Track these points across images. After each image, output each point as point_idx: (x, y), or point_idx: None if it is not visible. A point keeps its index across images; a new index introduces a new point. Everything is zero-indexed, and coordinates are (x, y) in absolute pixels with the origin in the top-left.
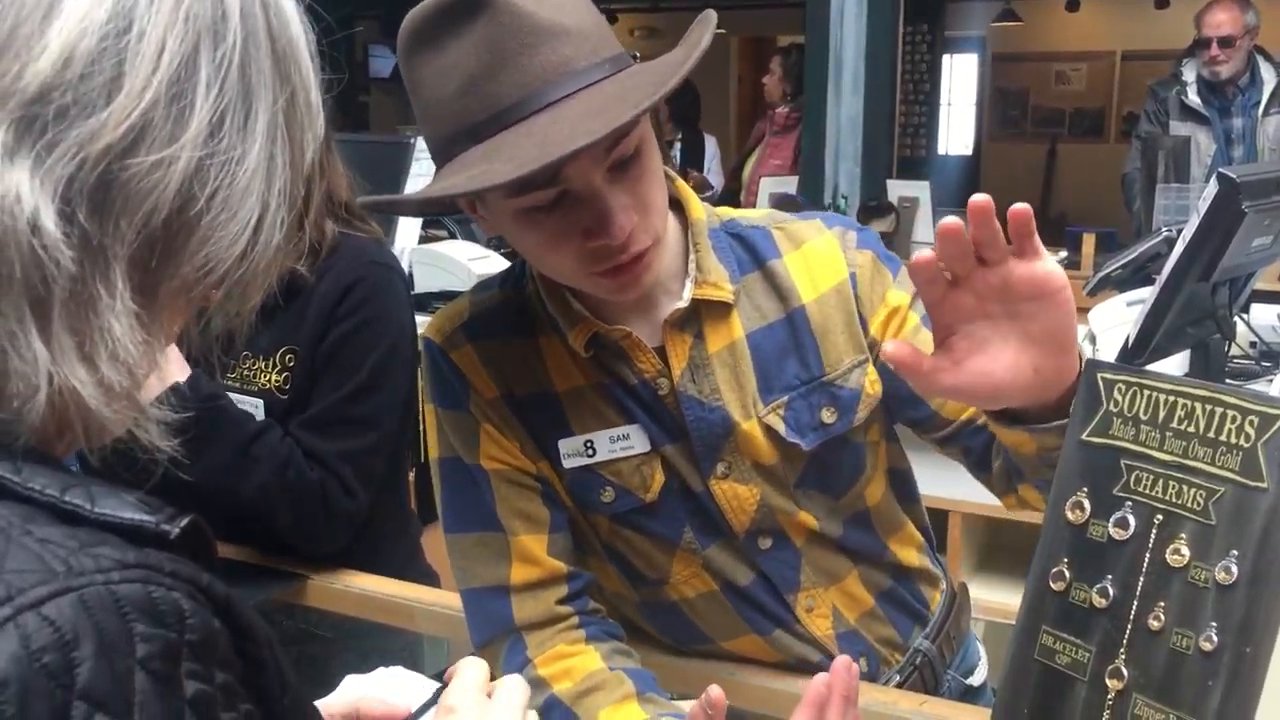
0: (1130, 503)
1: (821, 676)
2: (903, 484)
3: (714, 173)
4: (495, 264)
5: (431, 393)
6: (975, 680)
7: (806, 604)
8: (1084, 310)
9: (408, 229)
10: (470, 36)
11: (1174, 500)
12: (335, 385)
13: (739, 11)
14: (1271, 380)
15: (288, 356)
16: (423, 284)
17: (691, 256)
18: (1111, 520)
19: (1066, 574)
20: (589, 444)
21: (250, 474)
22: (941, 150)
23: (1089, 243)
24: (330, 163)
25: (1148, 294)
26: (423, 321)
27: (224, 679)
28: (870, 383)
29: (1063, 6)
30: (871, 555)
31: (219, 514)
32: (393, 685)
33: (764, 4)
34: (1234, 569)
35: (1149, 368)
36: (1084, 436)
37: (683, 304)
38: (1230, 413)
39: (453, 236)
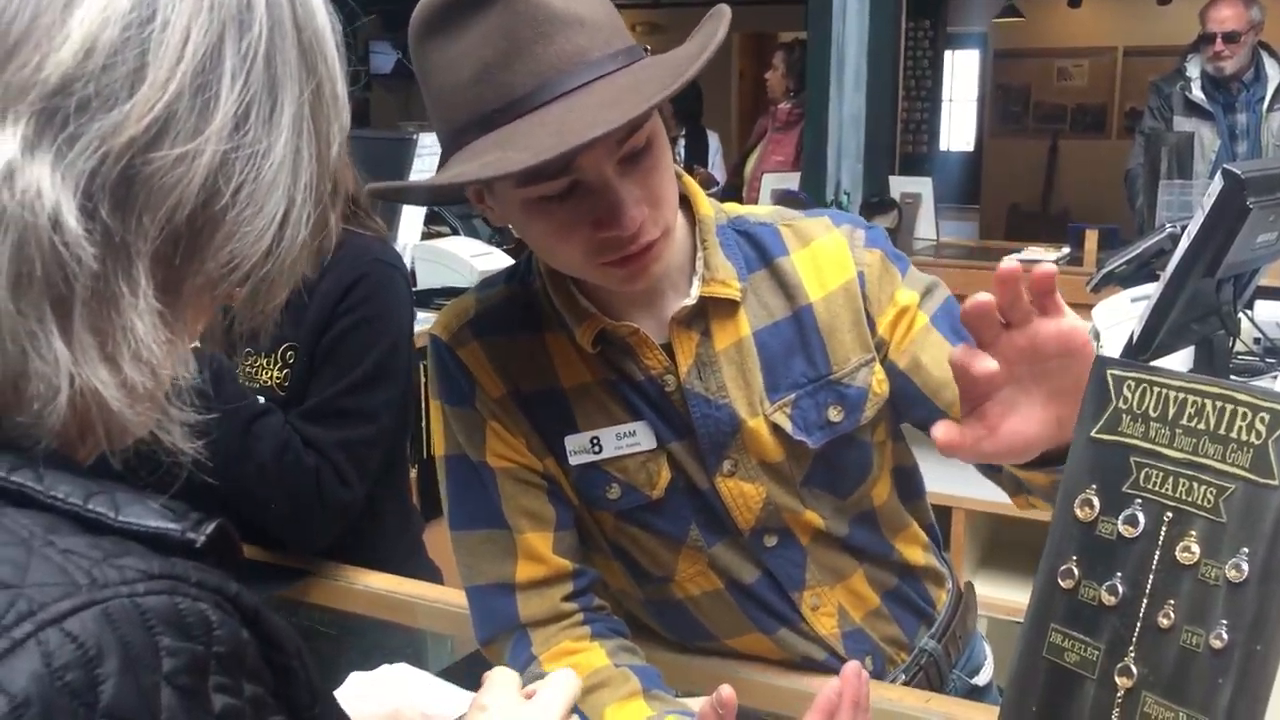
0: (1140, 500)
1: (833, 683)
2: (909, 482)
3: (716, 168)
4: (498, 260)
5: (438, 389)
6: (981, 680)
7: (812, 602)
8: (1088, 307)
9: (410, 225)
10: (484, 24)
11: (1184, 498)
12: (334, 378)
13: (741, 7)
14: (1276, 376)
15: (288, 353)
16: (425, 280)
17: (699, 254)
18: (1121, 518)
19: (1075, 572)
20: (595, 440)
21: (250, 453)
22: (943, 146)
23: (1091, 239)
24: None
25: (1152, 290)
26: (426, 318)
27: (253, 691)
28: (878, 381)
29: (1064, 2)
30: (877, 554)
31: (215, 500)
32: (397, 682)
33: (766, 0)
34: (1245, 567)
35: (1153, 364)
36: (1093, 434)
37: (690, 301)
38: (1241, 409)
39: (455, 233)
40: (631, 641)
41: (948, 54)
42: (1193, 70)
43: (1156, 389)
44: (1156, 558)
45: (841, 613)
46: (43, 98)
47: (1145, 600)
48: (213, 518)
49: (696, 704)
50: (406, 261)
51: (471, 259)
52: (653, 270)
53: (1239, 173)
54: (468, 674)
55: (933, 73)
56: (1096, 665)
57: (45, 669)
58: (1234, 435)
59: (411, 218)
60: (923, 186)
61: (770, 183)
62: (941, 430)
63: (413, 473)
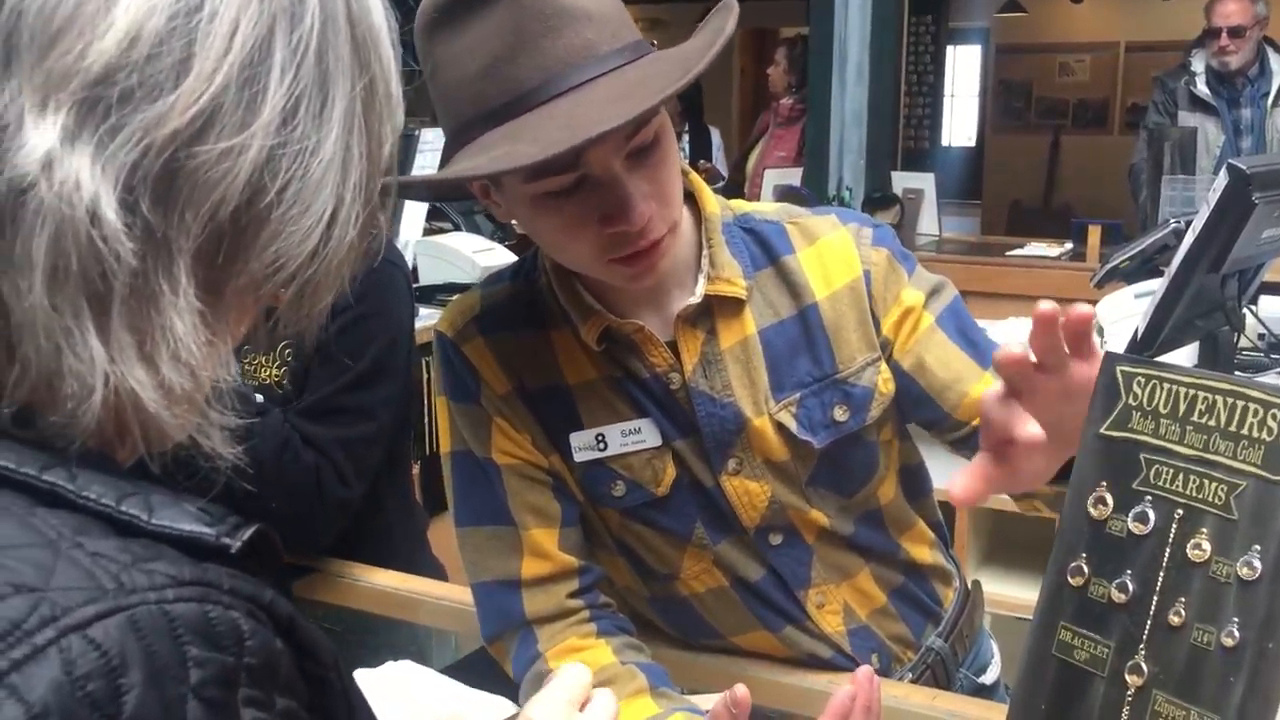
0: (1150, 497)
1: (846, 688)
2: (915, 481)
3: (718, 164)
4: (500, 256)
5: (443, 386)
6: (988, 679)
7: (817, 600)
8: (1091, 302)
9: (412, 221)
10: (492, 18)
11: (1195, 495)
12: (334, 375)
13: (743, 3)
14: None
15: (287, 351)
16: (427, 276)
17: (704, 251)
18: (1131, 515)
19: (1085, 569)
20: (600, 438)
21: (249, 451)
22: (945, 142)
23: (1094, 234)
24: None
25: (1156, 286)
26: (429, 314)
27: (285, 704)
28: (883, 381)
29: None
30: (884, 552)
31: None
32: (401, 679)
33: None
34: (1256, 564)
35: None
36: (1102, 430)
37: (695, 299)
38: (1253, 406)
39: (457, 229)
40: (637, 639)
41: (949, 49)
42: (1198, 65)
43: (1167, 385)
44: (1167, 555)
45: (847, 611)
46: (84, 87)
47: (1156, 598)
48: (251, 522)
49: (703, 701)
50: (408, 257)
51: (474, 255)
52: (660, 267)
53: (1244, 168)
54: (472, 671)
55: (935, 68)
56: (1106, 663)
57: (66, 678)
58: (1245, 432)
59: (413, 214)
60: (925, 182)
61: (772, 179)
62: (960, 489)
63: (415, 469)
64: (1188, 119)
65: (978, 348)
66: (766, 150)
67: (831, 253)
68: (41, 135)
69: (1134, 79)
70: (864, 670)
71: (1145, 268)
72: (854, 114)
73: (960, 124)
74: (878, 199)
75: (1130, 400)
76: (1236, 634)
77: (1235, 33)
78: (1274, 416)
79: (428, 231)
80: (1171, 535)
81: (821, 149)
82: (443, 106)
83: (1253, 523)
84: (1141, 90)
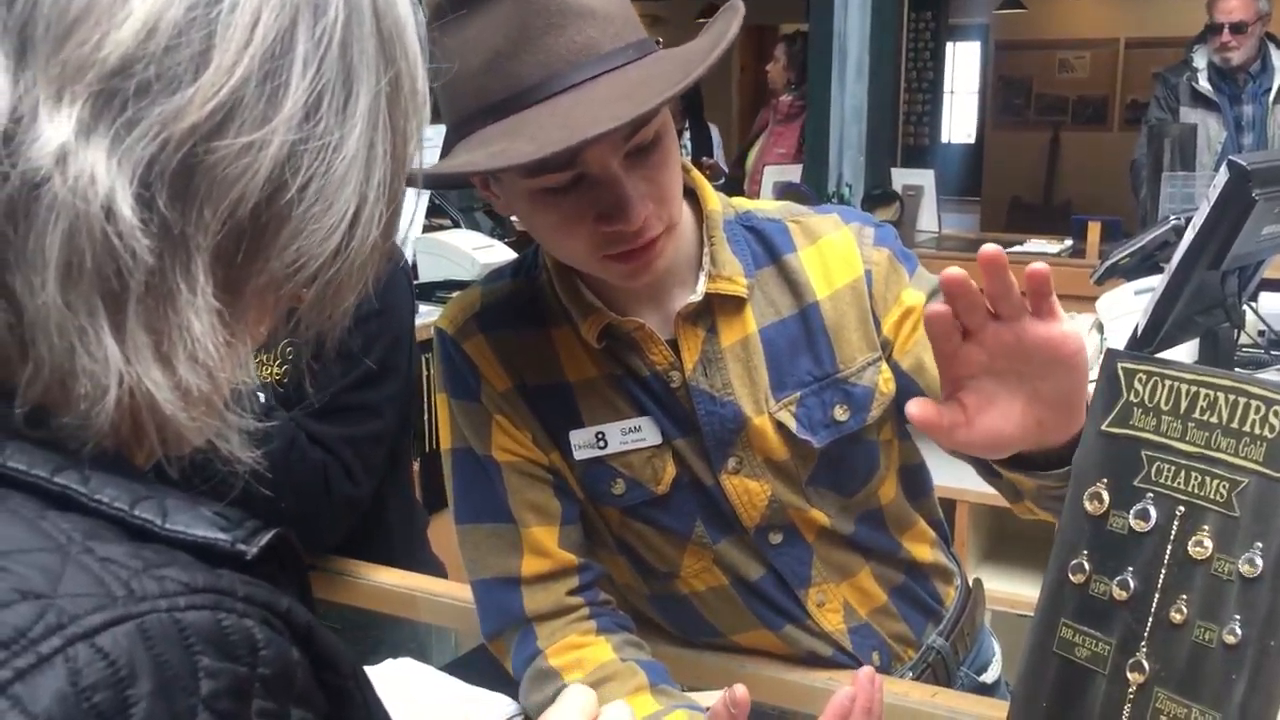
0: (1151, 494)
1: (846, 689)
2: (916, 480)
3: (717, 161)
4: (500, 253)
5: (444, 383)
6: (989, 678)
7: (817, 599)
8: (1091, 299)
9: (411, 218)
10: (496, 13)
11: (1196, 492)
12: (338, 375)
13: None
14: None
15: (288, 349)
16: (427, 273)
17: (706, 249)
18: (1132, 512)
19: (1086, 566)
20: (600, 435)
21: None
22: (945, 139)
23: (1094, 231)
24: None
25: (1156, 282)
26: (428, 311)
27: (300, 716)
28: (884, 381)
29: None
30: (884, 551)
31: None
32: (401, 677)
33: None
34: (1258, 561)
35: (1160, 356)
36: (1104, 427)
37: (696, 298)
38: (1254, 403)
39: (456, 226)
40: (637, 636)
41: (949, 46)
42: (1199, 61)
43: (1168, 382)
44: (1168, 552)
45: (848, 609)
46: (100, 79)
47: (1157, 595)
48: (270, 527)
49: (704, 699)
50: (408, 255)
51: (473, 252)
52: (656, 266)
53: (1245, 164)
54: (472, 668)
55: (934, 65)
56: (1108, 661)
57: (72, 688)
58: (1247, 429)
59: (412, 211)
60: (924, 179)
61: (772, 175)
62: (917, 406)
63: (415, 467)
64: (1189, 115)
65: None
66: (766, 147)
67: (833, 252)
68: (56, 128)
69: (1133, 75)
70: (865, 670)
71: (1145, 264)
72: (854, 110)
73: (960, 120)
74: (877, 195)
75: (1131, 397)
76: (1238, 631)
77: (1237, 29)
78: (1275, 413)
79: (427, 229)
80: (1173, 532)
81: (821, 146)
82: (445, 98)
83: (1254, 520)
84: (1141, 86)
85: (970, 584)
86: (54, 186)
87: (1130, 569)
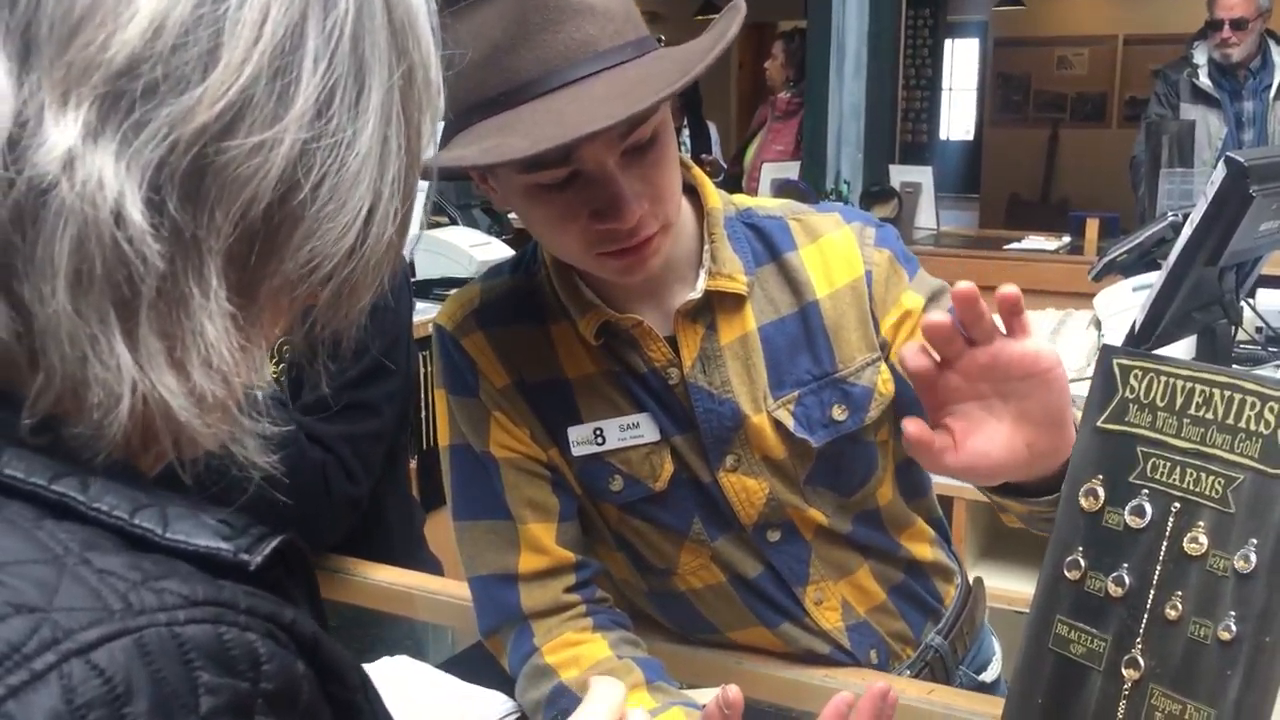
0: (1147, 490)
1: (845, 694)
2: (914, 480)
3: (716, 158)
4: (497, 250)
5: (443, 379)
6: (988, 676)
7: (815, 597)
8: (1089, 295)
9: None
10: (496, 7)
11: (1192, 488)
12: (336, 373)
13: None
14: (1279, 365)
15: (285, 348)
16: (425, 271)
17: (706, 246)
18: (1128, 508)
19: (1082, 563)
20: (598, 432)
21: None
22: (943, 135)
23: (1092, 228)
24: None
25: (1154, 279)
26: (426, 308)
27: None
28: (883, 381)
29: None
30: (883, 550)
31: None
32: (397, 675)
33: None
34: (1253, 558)
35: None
36: (1099, 423)
37: (696, 295)
38: (1249, 399)
39: (454, 223)
40: (634, 633)
41: (948, 42)
42: (1200, 57)
43: (1164, 378)
44: (1164, 548)
45: (846, 607)
46: (107, 80)
47: (1152, 592)
48: (276, 534)
49: (701, 696)
50: (405, 252)
51: (471, 249)
52: (651, 264)
53: (1242, 160)
54: (468, 666)
55: (933, 61)
56: (1103, 657)
57: (66, 707)
58: (1242, 425)
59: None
60: (923, 176)
61: (770, 172)
62: (914, 425)
63: (412, 464)
64: (1190, 111)
65: None
66: (764, 144)
67: (834, 251)
68: (62, 132)
69: (1132, 72)
70: (880, 687)
71: (1143, 261)
72: (852, 107)
73: (958, 117)
74: (875, 192)
75: (1127, 393)
76: (1233, 627)
77: (1238, 25)
78: (1271, 409)
79: (424, 226)
80: (1168, 528)
81: (819, 143)
82: (444, 90)
83: (1250, 515)
84: (1140, 83)
85: (970, 583)
86: (61, 192)
87: (1125, 565)
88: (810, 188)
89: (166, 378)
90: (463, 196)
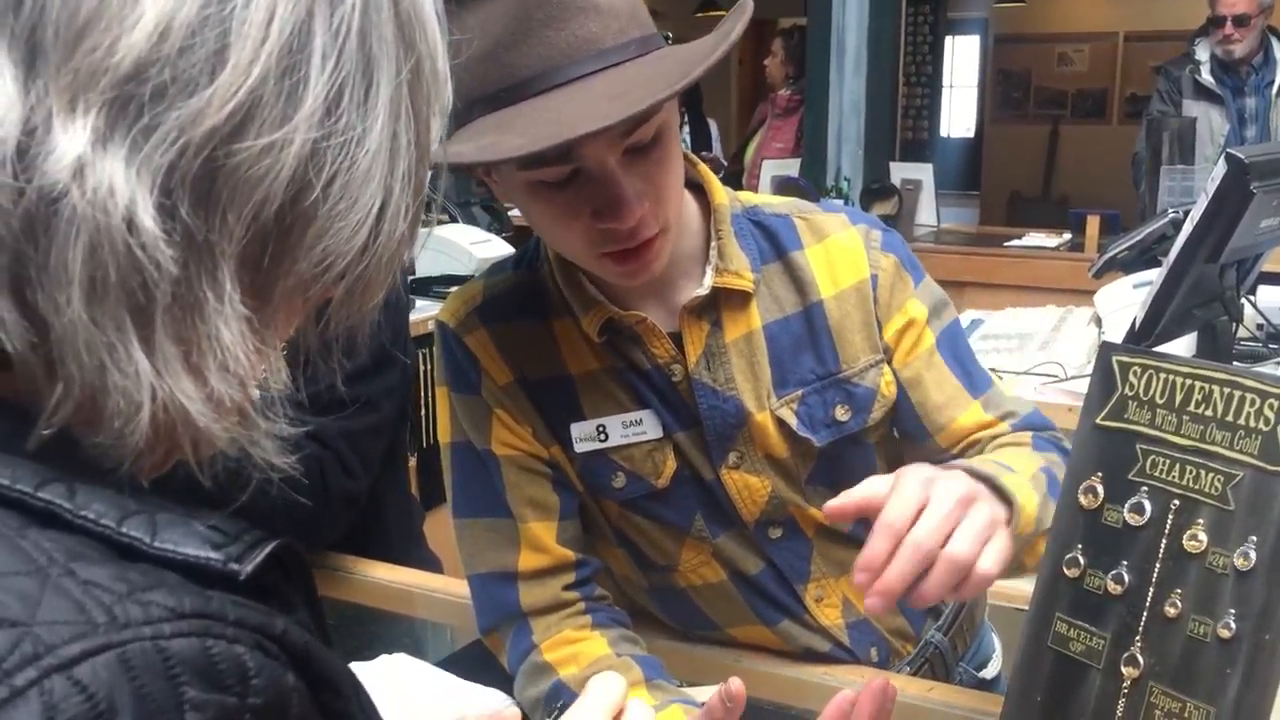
0: (1146, 488)
1: (846, 693)
2: None
3: (716, 155)
4: (497, 248)
5: (445, 376)
6: (988, 673)
7: (816, 594)
8: (1089, 293)
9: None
10: (500, 3)
11: (1191, 485)
12: (334, 368)
13: None
14: (1279, 363)
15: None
16: (424, 268)
17: (713, 243)
18: (1127, 505)
19: (1081, 560)
20: (601, 428)
21: None
22: (944, 133)
23: (1093, 224)
24: None
25: (1155, 276)
26: (425, 305)
27: None
28: (885, 384)
29: None
30: None
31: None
32: (396, 673)
33: None
34: (1253, 555)
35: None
36: (1099, 421)
37: (703, 291)
38: (1249, 396)
39: (454, 220)
40: (633, 631)
41: (948, 39)
42: (1202, 54)
43: (1163, 375)
44: (1163, 546)
45: (846, 605)
46: (114, 85)
47: (1152, 589)
48: (270, 539)
49: (700, 694)
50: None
51: (470, 247)
52: (653, 267)
53: (1243, 157)
54: (467, 664)
55: (933, 58)
56: (1102, 655)
57: None
58: (1242, 422)
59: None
60: (923, 173)
61: (770, 169)
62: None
63: (412, 462)
64: (1192, 108)
65: (970, 376)
66: (764, 141)
67: (840, 252)
68: (71, 139)
69: (1133, 69)
70: (878, 682)
71: (1143, 258)
72: (852, 105)
73: (959, 114)
74: (876, 190)
75: (1126, 390)
76: (1233, 625)
77: (1240, 21)
78: (1271, 406)
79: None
80: (1168, 526)
81: (819, 140)
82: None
83: (1249, 513)
84: (1140, 80)
85: None
86: (72, 200)
87: (1125, 563)
88: (811, 185)
89: (184, 383)
90: (462, 194)
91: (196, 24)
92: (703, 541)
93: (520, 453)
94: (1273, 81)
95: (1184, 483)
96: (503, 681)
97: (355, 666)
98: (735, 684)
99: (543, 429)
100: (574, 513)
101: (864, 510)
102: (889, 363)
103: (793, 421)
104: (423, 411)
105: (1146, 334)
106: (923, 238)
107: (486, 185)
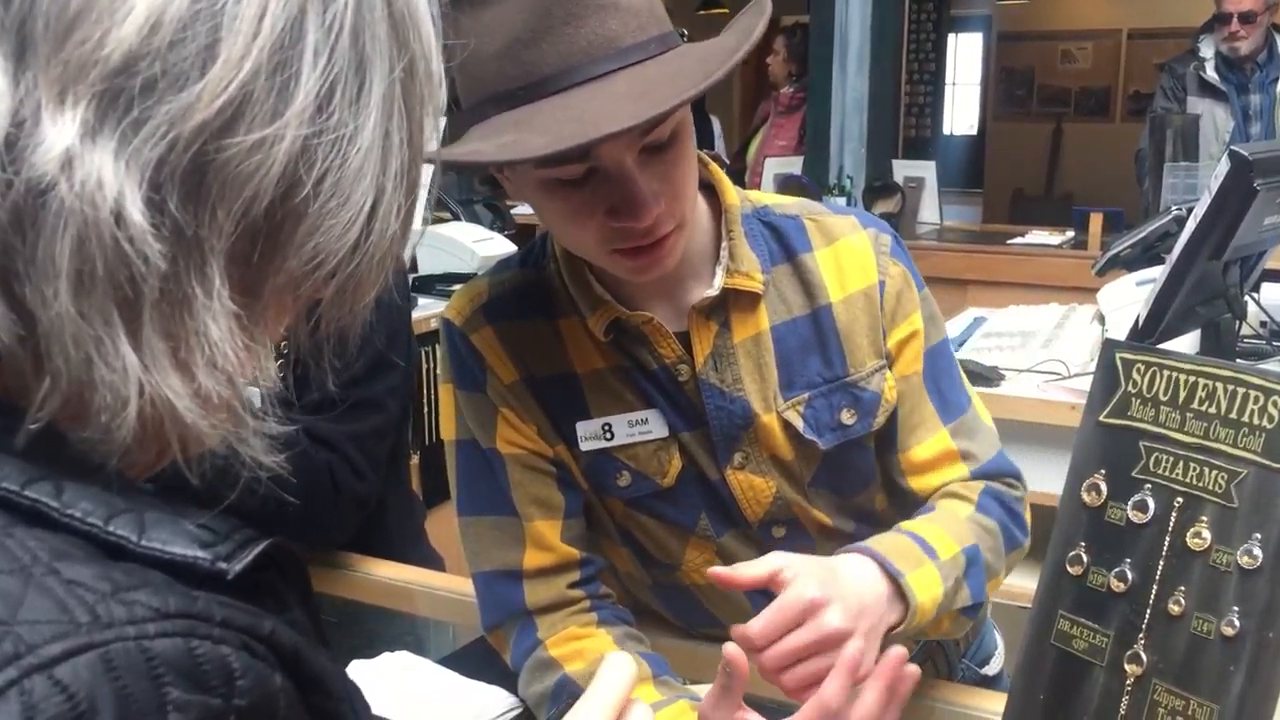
0: (1149, 485)
1: (832, 690)
2: (904, 493)
3: (719, 153)
4: (500, 246)
5: (450, 374)
6: (991, 670)
7: None
8: (1093, 290)
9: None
10: None
11: (1195, 483)
12: (338, 370)
13: None
14: None
15: (283, 344)
16: (427, 266)
17: (724, 243)
18: (1130, 503)
19: (1084, 558)
20: (606, 427)
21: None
22: (946, 130)
23: (1096, 222)
24: None
25: (1158, 273)
26: (428, 304)
27: None
28: (889, 389)
29: None
30: None
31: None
32: (398, 670)
33: None
34: (1257, 553)
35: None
36: (1102, 418)
37: (713, 292)
38: (1253, 393)
39: (456, 219)
40: (637, 629)
41: (951, 37)
42: (1206, 50)
43: (1167, 372)
44: (1167, 544)
45: None
46: (104, 78)
47: (1155, 587)
48: (261, 539)
49: (704, 692)
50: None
51: (473, 245)
52: (666, 264)
53: (1246, 154)
54: (469, 662)
55: (936, 56)
56: (1105, 652)
57: None
58: (1246, 419)
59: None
60: (926, 170)
61: (773, 167)
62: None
63: (414, 460)
64: (1197, 105)
65: (945, 400)
66: (767, 139)
67: (849, 256)
68: (60, 132)
69: (1136, 66)
70: (896, 649)
71: (1146, 255)
72: (855, 102)
73: (962, 112)
74: (879, 187)
75: (1130, 387)
76: (1237, 623)
77: (1246, 18)
78: (1274, 404)
79: (428, 222)
80: (1171, 523)
81: (822, 138)
82: (461, 80)
83: (1253, 510)
84: (1144, 78)
85: None
86: (60, 193)
87: (1128, 560)
88: (813, 183)
89: (171, 379)
90: (465, 192)
91: (188, 18)
92: (707, 541)
93: (525, 451)
94: (1277, 78)
95: (1187, 480)
96: (504, 679)
97: (357, 664)
98: (731, 649)
99: (548, 427)
100: (579, 511)
101: (760, 586)
102: (891, 368)
103: (799, 424)
104: (425, 410)
105: (1150, 331)
106: (925, 235)
107: (492, 182)
